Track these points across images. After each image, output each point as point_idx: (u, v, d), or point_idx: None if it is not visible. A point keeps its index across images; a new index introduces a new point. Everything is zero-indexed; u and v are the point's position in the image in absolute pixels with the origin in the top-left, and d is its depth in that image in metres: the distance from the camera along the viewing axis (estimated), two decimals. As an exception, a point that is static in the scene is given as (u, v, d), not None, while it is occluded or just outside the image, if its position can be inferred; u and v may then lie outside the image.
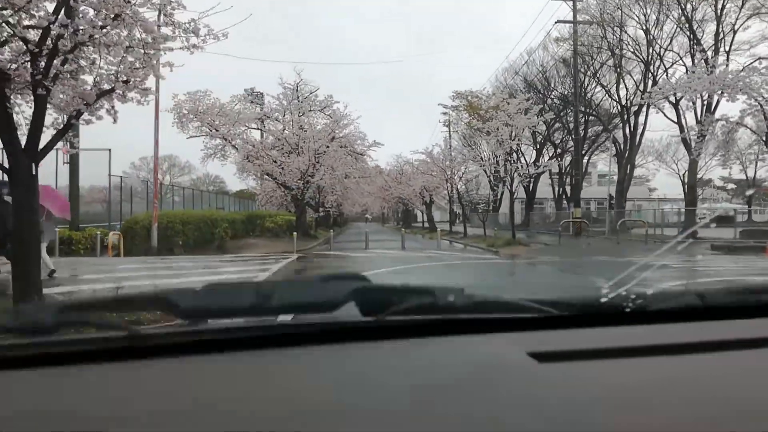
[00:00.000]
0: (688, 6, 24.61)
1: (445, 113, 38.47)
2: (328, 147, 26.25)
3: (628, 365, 0.97)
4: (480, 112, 25.32)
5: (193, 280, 10.29)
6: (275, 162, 25.33)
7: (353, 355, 1.01)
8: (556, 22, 29.61)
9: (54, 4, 5.47)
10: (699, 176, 35.24)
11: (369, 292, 1.06)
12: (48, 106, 5.86)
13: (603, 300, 1.16)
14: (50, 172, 19.06)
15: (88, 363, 0.92)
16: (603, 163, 49.16)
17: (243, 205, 43.06)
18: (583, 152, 35.34)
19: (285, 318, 1.05)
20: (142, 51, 6.04)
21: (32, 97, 5.63)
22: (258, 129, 28.61)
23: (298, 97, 28.09)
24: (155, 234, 17.83)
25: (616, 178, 33.62)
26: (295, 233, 20.24)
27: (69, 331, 0.99)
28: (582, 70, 31.36)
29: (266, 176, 27.63)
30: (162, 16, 6.60)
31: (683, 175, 38.43)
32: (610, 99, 33.17)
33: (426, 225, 42.21)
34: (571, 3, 27.64)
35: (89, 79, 6.09)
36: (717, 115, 21.77)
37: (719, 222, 27.95)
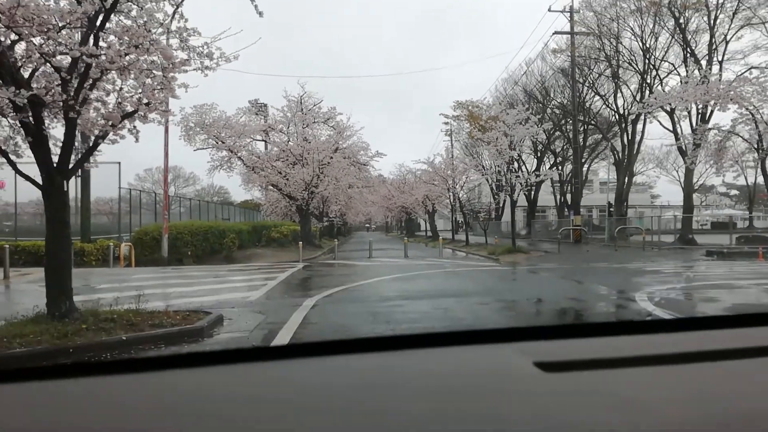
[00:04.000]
0: (682, 18, 25.15)
1: (446, 123, 39.08)
2: (331, 158, 26.77)
3: (632, 374, 0.98)
4: (480, 123, 25.81)
5: (204, 288, 10.77)
6: (280, 173, 25.89)
7: (369, 363, 1.06)
8: (554, 33, 30.22)
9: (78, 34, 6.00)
10: (701, 183, 35.60)
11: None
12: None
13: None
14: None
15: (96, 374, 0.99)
16: (604, 170, 49.57)
17: (247, 216, 43.51)
18: (583, 160, 35.80)
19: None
20: (162, 75, 6.57)
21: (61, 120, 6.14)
22: (263, 140, 29.17)
23: (302, 110, 28.61)
24: (165, 245, 18.31)
25: (616, 185, 34.03)
26: (300, 243, 20.72)
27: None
28: (580, 80, 31.89)
29: (271, 187, 28.15)
30: (178, 42, 7.13)
31: (682, 182, 38.68)
32: (608, 108, 33.71)
33: (429, 234, 42.63)
34: (568, 15, 28.25)
35: (113, 102, 6.61)
36: (712, 123, 22.28)
37: (716, 228, 28.28)
